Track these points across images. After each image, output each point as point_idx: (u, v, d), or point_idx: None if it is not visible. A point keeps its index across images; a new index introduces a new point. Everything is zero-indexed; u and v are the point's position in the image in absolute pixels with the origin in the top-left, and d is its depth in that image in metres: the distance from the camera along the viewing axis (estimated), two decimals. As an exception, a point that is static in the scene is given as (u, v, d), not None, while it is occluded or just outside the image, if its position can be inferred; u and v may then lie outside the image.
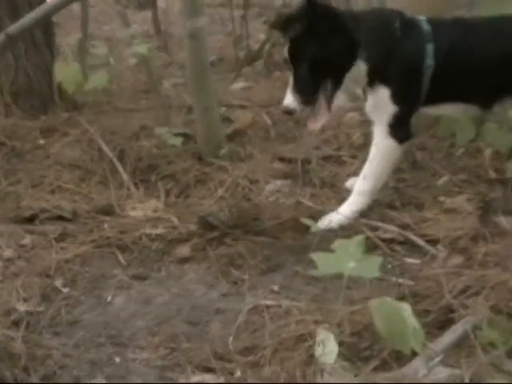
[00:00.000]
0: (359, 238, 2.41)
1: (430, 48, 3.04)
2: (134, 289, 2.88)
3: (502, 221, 2.98)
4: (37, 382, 2.28)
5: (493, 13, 3.38)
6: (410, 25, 3.10)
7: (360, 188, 3.18)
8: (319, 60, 2.94)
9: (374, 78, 3.05)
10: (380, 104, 3.09)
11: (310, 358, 2.18)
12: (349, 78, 3.03)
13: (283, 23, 3.12)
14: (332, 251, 2.34)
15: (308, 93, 2.98)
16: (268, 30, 5.96)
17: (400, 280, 2.68)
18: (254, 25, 6.95)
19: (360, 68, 3.02)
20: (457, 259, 2.78)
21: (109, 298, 2.83)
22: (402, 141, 3.14)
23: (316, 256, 2.34)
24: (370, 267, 2.29)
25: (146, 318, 2.67)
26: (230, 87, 5.11)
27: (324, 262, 2.31)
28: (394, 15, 3.11)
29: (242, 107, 4.56)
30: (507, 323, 2.27)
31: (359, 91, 3.14)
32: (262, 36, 6.23)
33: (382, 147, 3.14)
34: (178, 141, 3.84)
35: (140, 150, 3.90)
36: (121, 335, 2.58)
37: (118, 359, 2.45)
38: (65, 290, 2.88)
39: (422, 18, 3.13)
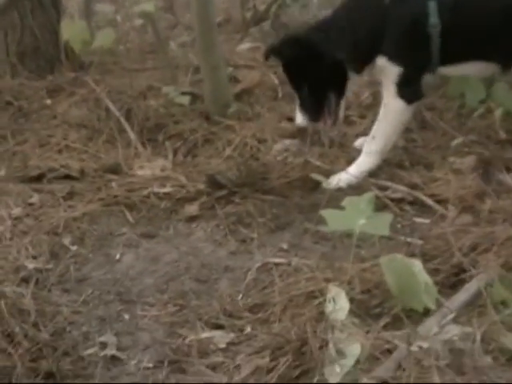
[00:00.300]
0: (369, 195, 2.39)
1: (432, 6, 2.98)
2: (142, 247, 2.88)
3: (507, 178, 2.97)
4: (47, 337, 2.28)
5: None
6: None
7: (369, 148, 3.15)
8: (315, 83, 3.13)
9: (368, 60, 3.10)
10: (383, 69, 3.09)
11: (321, 315, 2.16)
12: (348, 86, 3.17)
13: (276, 53, 3.28)
14: (342, 208, 2.32)
15: (313, 112, 3.17)
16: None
17: (409, 239, 2.67)
18: (260, -14, 6.88)
19: (352, 77, 3.16)
20: (465, 218, 2.76)
21: (117, 256, 2.83)
22: (411, 101, 3.10)
23: (326, 213, 2.32)
24: (381, 225, 2.27)
25: (155, 276, 2.67)
26: (236, 48, 5.04)
27: (334, 219, 2.30)
28: None
29: (249, 67, 4.50)
30: (518, 281, 2.25)
31: None
32: (269, -4, 6.15)
33: (390, 107, 3.10)
34: (186, 100, 3.81)
35: (147, 110, 3.86)
36: (129, 292, 2.59)
37: (127, 316, 2.46)
38: (73, 248, 2.89)
39: None
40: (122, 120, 3.80)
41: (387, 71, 3.08)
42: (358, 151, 3.22)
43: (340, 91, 3.17)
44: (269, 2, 5.81)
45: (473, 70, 3.18)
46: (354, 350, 1.97)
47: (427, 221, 2.86)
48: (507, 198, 2.78)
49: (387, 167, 3.22)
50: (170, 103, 3.86)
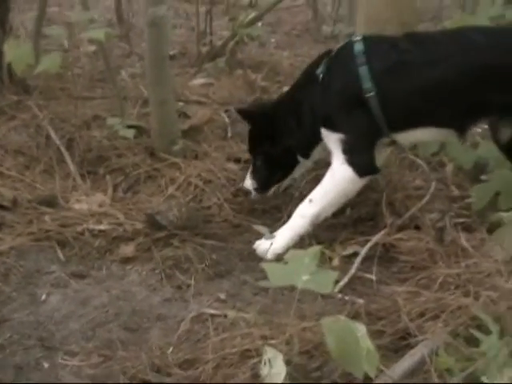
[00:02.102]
0: (314, 249, 2.25)
1: (363, 70, 2.83)
2: (70, 287, 2.70)
3: (461, 238, 2.84)
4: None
5: (456, 25, 3.27)
6: (337, 55, 2.96)
7: (302, 210, 2.91)
8: (269, 158, 3.13)
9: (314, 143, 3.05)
10: (326, 137, 2.95)
11: (255, 377, 2.02)
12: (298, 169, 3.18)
13: (241, 115, 3.31)
14: (285, 262, 2.18)
15: (261, 183, 3.18)
16: (232, 27, 5.82)
17: (354, 298, 2.54)
18: (218, 22, 6.79)
19: (303, 163, 3.15)
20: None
21: (43, 297, 2.65)
22: (361, 172, 2.86)
23: (267, 266, 2.17)
24: (325, 282, 2.13)
25: (81, 321, 2.49)
26: (189, 82, 4.92)
27: (276, 273, 2.14)
28: (319, 61, 3.00)
29: (201, 103, 4.38)
30: (466, 349, 2.13)
31: None
32: (226, 33, 6.08)
33: (336, 172, 2.88)
34: (130, 133, 3.65)
35: (90, 140, 3.71)
36: (52, 338, 2.41)
37: (46, 364, 2.28)
38: (-4, 285, 2.69)
39: (357, 38, 2.93)
40: (63, 149, 3.64)
41: (330, 139, 2.91)
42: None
43: (288, 172, 3.18)
44: (226, 38, 5.74)
45: (426, 136, 2.98)
46: (288, 419, 1.82)
47: (374, 277, 2.72)
48: (462, 260, 2.65)
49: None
50: (114, 135, 3.71)
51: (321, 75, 2.95)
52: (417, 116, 2.88)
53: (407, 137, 2.96)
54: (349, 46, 2.94)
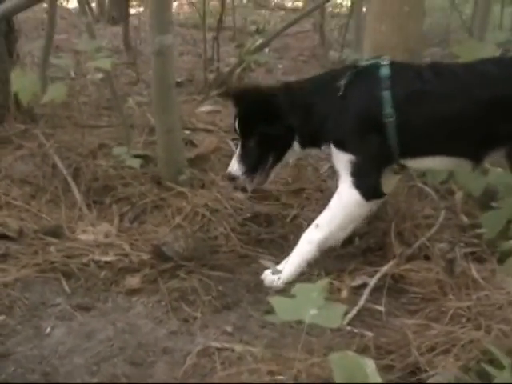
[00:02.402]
0: (322, 282, 2.22)
1: (386, 95, 2.81)
2: (75, 320, 2.66)
3: (472, 270, 2.80)
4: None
5: (463, 50, 3.25)
6: (361, 74, 2.91)
7: (309, 235, 2.88)
8: (261, 139, 2.99)
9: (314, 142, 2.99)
10: (335, 154, 2.90)
11: (262, 417, 1.98)
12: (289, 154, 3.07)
13: (234, 97, 3.14)
14: (292, 296, 2.14)
15: (249, 166, 3.03)
16: (239, 54, 5.82)
17: (363, 331, 2.50)
18: (225, 48, 6.82)
19: (295, 148, 3.03)
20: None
21: (48, 330, 2.60)
22: (368, 196, 2.84)
23: (274, 300, 2.13)
24: (333, 316, 2.09)
25: (86, 355, 2.45)
26: (196, 110, 4.92)
27: (283, 307, 2.10)
28: (343, 71, 2.96)
29: (208, 131, 4.38)
30: (477, 385, 2.09)
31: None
32: (233, 60, 6.09)
33: (343, 196, 2.86)
34: (137, 162, 3.63)
35: (96, 170, 3.69)
36: (56, 373, 2.36)
37: (49, 401, 2.23)
38: (0, 318, 2.64)
39: (384, 62, 2.90)
40: (69, 179, 3.63)
41: (339, 158, 2.88)
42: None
43: (280, 156, 3.04)
44: (233, 64, 5.75)
45: (437, 164, 2.95)
46: None
47: (383, 309, 2.68)
48: (473, 293, 2.60)
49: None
50: (121, 164, 3.68)
51: (342, 87, 2.89)
52: (431, 144, 2.86)
53: (418, 163, 2.94)
54: (375, 67, 2.91)
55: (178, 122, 3.66)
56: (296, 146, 3.02)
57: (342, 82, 2.90)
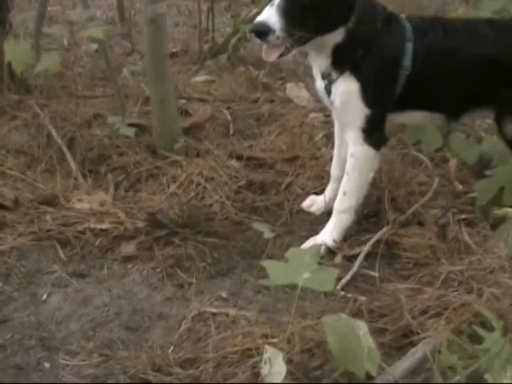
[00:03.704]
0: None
1: (409, 47, 2.78)
2: (71, 287, 2.69)
3: (464, 235, 2.82)
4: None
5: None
6: (391, 19, 2.83)
7: (342, 205, 2.89)
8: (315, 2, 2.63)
9: (346, 61, 2.75)
10: (349, 102, 2.79)
11: (255, 377, 2.01)
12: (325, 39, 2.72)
13: None
14: (286, 260, 2.16)
15: (294, 24, 2.59)
16: (234, 24, 5.79)
17: (356, 295, 2.53)
18: (221, 19, 6.76)
19: (336, 37, 2.72)
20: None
21: (44, 296, 2.64)
22: (378, 147, 2.86)
23: (268, 264, 2.15)
24: (326, 279, 2.12)
25: (82, 321, 2.49)
26: (191, 80, 4.90)
27: (276, 272, 2.13)
28: (378, 4, 2.85)
29: (202, 101, 4.36)
30: (469, 346, 2.11)
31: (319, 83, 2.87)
32: (228, 30, 6.05)
33: (359, 156, 2.84)
34: (131, 131, 3.62)
35: (91, 139, 3.68)
36: (53, 338, 2.40)
37: (47, 364, 2.27)
38: (-4, 285, 2.68)
39: (402, 15, 2.88)
40: (64, 148, 3.62)
41: (354, 111, 2.79)
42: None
43: (326, 28, 2.68)
44: (228, 34, 5.71)
45: (418, 118, 3.02)
46: (289, 418, 1.81)
47: (376, 274, 2.70)
48: (465, 257, 2.62)
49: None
50: (116, 134, 3.68)
51: (380, 23, 2.78)
52: (424, 98, 2.89)
53: (400, 118, 2.97)
54: (398, 16, 2.87)
55: (172, 91, 3.65)
56: (342, 31, 2.71)
57: (381, 16, 2.79)
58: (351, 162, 2.86)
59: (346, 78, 2.77)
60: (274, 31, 2.55)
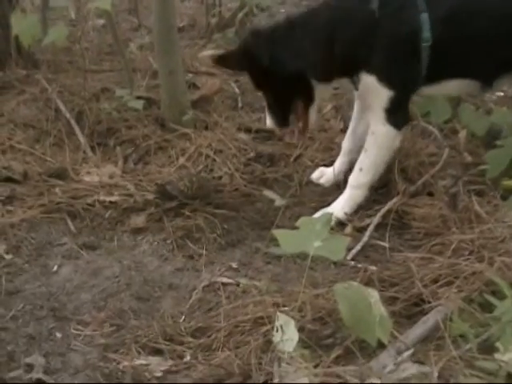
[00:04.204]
0: (326, 215, 2.23)
1: (425, 18, 2.71)
2: (82, 259, 2.69)
3: (474, 204, 2.80)
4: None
5: None
6: None
7: (356, 181, 2.87)
8: (276, 88, 2.88)
9: (350, 70, 2.80)
10: (371, 90, 2.79)
11: (267, 344, 2.01)
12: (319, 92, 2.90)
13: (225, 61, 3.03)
14: (296, 228, 2.16)
15: (279, 118, 2.95)
16: (242, -3, 5.76)
17: (367, 265, 2.52)
18: (227, -7, 6.74)
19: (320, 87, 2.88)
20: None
21: (54, 268, 2.64)
22: (401, 127, 2.82)
23: (278, 233, 2.15)
24: (337, 248, 2.11)
25: (93, 291, 2.49)
26: (199, 54, 4.88)
27: (287, 240, 2.12)
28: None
29: (210, 74, 4.34)
30: (480, 315, 2.11)
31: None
32: (235, 4, 6.02)
33: (379, 135, 2.81)
34: (140, 104, 3.62)
35: (99, 113, 3.67)
36: (64, 308, 2.40)
37: (59, 334, 2.27)
38: (7, 257, 2.69)
39: None
40: (72, 122, 3.61)
41: (376, 94, 2.78)
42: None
43: (306, 99, 2.89)
44: (235, 9, 5.68)
45: (454, 87, 2.94)
46: (302, 385, 1.81)
47: (387, 244, 2.70)
48: (475, 226, 2.61)
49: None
50: (124, 107, 3.67)
51: (376, 11, 2.73)
52: (456, 66, 2.83)
53: (436, 89, 2.92)
54: None
55: (180, 64, 3.63)
56: (316, 83, 2.85)
57: (375, 4, 2.74)
58: (371, 140, 2.84)
59: (361, 75, 2.78)
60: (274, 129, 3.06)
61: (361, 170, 2.87)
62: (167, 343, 2.16)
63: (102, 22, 5.19)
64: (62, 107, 3.71)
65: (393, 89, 2.75)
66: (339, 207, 2.86)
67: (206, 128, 3.57)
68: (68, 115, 3.65)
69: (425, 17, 2.72)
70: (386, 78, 2.75)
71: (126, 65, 3.97)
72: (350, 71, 2.81)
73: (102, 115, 3.66)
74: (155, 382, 2.00)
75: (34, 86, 4.01)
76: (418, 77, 2.80)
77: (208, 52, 4.93)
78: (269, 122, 2.99)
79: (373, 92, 2.80)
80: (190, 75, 4.20)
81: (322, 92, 2.97)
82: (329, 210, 2.83)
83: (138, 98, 3.69)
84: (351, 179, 2.90)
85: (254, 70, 2.90)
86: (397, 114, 2.80)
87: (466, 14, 2.78)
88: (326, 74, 2.86)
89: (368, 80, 2.77)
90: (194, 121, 3.56)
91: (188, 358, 2.08)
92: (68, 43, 4.30)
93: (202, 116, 3.66)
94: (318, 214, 2.78)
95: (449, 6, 2.76)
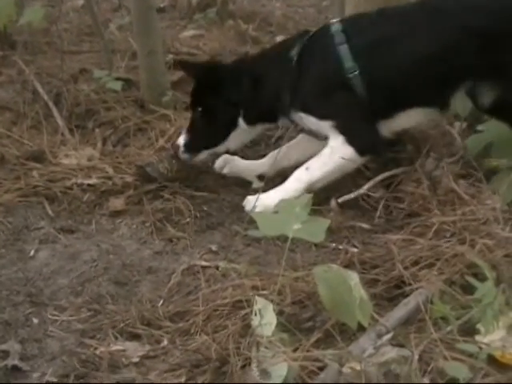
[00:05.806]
0: (306, 197, 2.20)
1: (343, 49, 2.71)
2: (59, 243, 2.66)
3: (457, 186, 2.77)
4: None
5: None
6: (314, 37, 2.83)
7: (300, 176, 2.77)
8: (204, 114, 2.96)
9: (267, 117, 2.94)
10: (317, 124, 2.79)
11: (246, 329, 1.98)
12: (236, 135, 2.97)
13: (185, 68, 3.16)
14: (276, 211, 2.12)
15: (193, 142, 2.98)
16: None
17: (347, 247, 2.50)
18: (210, -27, 6.66)
19: (242, 127, 2.95)
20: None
21: (31, 252, 2.60)
22: (363, 152, 2.74)
23: (257, 215, 2.12)
24: (316, 230, 2.07)
25: (70, 276, 2.46)
26: (180, 34, 4.83)
27: (266, 223, 2.09)
28: (295, 40, 2.87)
29: (191, 55, 4.29)
30: (461, 297, 2.09)
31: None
32: (218, -16, 5.96)
33: (337, 153, 2.72)
34: (118, 85, 3.57)
35: (78, 95, 3.63)
36: (41, 294, 2.37)
37: (35, 320, 2.24)
38: (-17, 242, 2.64)
39: (333, 20, 2.83)
40: (50, 104, 3.57)
41: (320, 125, 2.78)
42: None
43: (222, 134, 2.97)
44: (217, -12, 5.62)
45: (413, 119, 2.85)
46: (280, 370, 1.79)
47: (368, 226, 2.67)
48: (457, 208, 2.59)
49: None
50: (103, 89, 3.63)
51: (295, 58, 2.80)
52: (401, 94, 2.76)
53: (399, 123, 2.84)
54: (325, 27, 2.84)
55: (159, 44, 3.59)
56: (242, 123, 2.93)
57: (294, 51, 2.81)
58: (327, 150, 2.75)
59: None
60: (179, 148, 2.98)
61: (307, 168, 2.77)
62: (145, 328, 2.13)
63: (81, 2, 5.12)
64: (39, 89, 3.67)
65: (330, 119, 2.74)
66: (274, 195, 2.72)
67: (186, 109, 3.52)
68: (46, 97, 3.61)
69: (344, 48, 2.72)
70: (315, 113, 2.77)
71: (105, 46, 3.92)
72: (274, 116, 2.91)
73: (80, 97, 3.63)
74: (132, 367, 1.97)
75: (10, 68, 3.98)
76: (359, 104, 2.74)
77: (189, 32, 4.89)
78: (181, 139, 2.99)
79: (319, 124, 2.79)
80: (171, 56, 4.15)
81: (241, 137, 3.01)
82: (264, 196, 2.72)
83: (117, 79, 3.65)
84: (297, 172, 2.79)
85: (199, 86, 3.00)
86: (357, 138, 2.73)
87: (389, 41, 2.73)
88: (251, 117, 2.93)
89: (309, 118, 2.80)
90: (173, 102, 3.53)
91: (165, 342, 2.05)
92: (46, 24, 4.22)
93: (182, 97, 3.61)
94: (248, 198, 2.75)
95: (371, 35, 2.75)
